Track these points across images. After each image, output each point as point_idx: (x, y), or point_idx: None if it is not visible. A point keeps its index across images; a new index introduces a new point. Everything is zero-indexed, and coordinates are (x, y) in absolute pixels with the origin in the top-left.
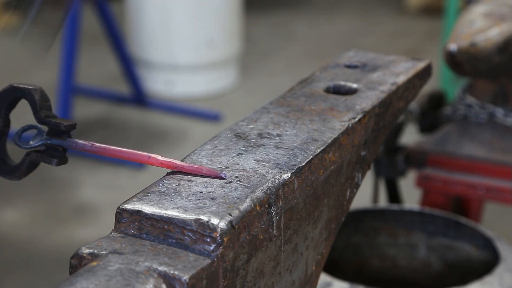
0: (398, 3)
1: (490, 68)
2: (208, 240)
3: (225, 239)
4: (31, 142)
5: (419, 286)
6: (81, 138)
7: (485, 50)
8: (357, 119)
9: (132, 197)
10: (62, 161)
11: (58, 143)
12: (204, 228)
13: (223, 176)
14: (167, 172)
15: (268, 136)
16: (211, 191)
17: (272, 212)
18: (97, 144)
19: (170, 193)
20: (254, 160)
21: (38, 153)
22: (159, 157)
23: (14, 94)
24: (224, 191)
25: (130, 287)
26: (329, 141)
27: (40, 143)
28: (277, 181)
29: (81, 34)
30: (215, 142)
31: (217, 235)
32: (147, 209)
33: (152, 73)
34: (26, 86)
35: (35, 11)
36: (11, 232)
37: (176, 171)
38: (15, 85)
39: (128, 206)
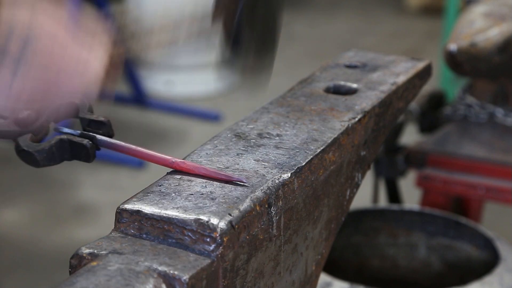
0: (398, 3)
1: (490, 68)
2: (208, 240)
3: (225, 239)
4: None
5: (419, 286)
6: None
7: (485, 50)
8: (357, 119)
9: (132, 197)
10: (93, 150)
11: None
12: (204, 228)
13: (244, 181)
14: (167, 172)
15: (268, 136)
16: (211, 191)
17: (272, 212)
18: (125, 144)
19: (170, 193)
20: (254, 160)
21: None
22: (187, 162)
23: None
24: (224, 191)
25: (130, 287)
26: (329, 141)
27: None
28: (277, 181)
29: None
30: (215, 142)
31: (217, 235)
32: (147, 209)
33: (152, 73)
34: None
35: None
36: (11, 232)
37: (177, 171)
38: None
39: (128, 206)
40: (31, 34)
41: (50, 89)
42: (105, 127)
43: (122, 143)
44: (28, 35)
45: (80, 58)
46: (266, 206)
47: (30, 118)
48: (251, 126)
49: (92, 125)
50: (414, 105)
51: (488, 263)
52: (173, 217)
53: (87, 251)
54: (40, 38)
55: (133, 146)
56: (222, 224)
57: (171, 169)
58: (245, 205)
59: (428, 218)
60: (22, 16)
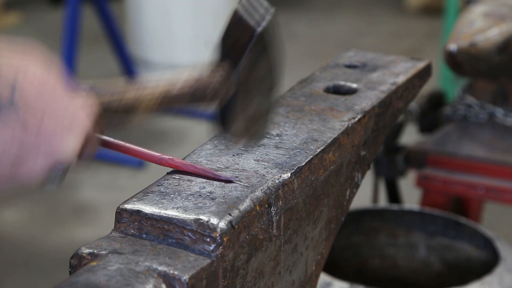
0: (398, 3)
1: (490, 68)
2: (208, 240)
3: (225, 239)
4: None
5: (419, 286)
6: None
7: (485, 50)
8: (356, 119)
9: (132, 197)
10: None
11: None
12: (204, 228)
13: (231, 179)
14: (167, 172)
15: (268, 136)
16: (211, 191)
17: (272, 212)
18: (112, 140)
19: (170, 193)
20: (254, 160)
21: None
22: (176, 160)
23: None
24: (224, 191)
25: (130, 287)
26: (329, 141)
27: None
28: (277, 181)
29: (81, 34)
30: (215, 142)
31: (217, 235)
32: (147, 209)
33: (152, 73)
34: None
35: None
36: (11, 232)
37: (176, 171)
38: None
39: (128, 206)
40: (19, 80)
41: (25, 153)
42: None
43: (111, 139)
44: (15, 82)
45: (67, 110)
46: (266, 206)
47: None
48: None
49: None
50: (414, 105)
51: (488, 263)
52: (173, 217)
53: (87, 251)
54: (28, 85)
55: (122, 142)
56: (222, 224)
57: (171, 169)
58: (245, 205)
59: (428, 218)
60: (12, 62)
